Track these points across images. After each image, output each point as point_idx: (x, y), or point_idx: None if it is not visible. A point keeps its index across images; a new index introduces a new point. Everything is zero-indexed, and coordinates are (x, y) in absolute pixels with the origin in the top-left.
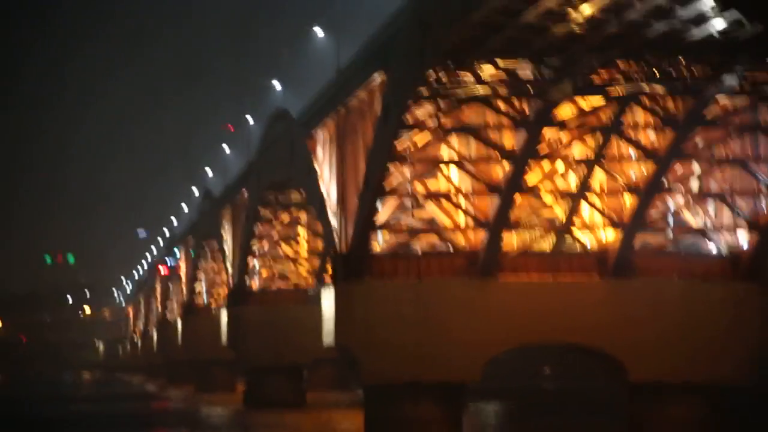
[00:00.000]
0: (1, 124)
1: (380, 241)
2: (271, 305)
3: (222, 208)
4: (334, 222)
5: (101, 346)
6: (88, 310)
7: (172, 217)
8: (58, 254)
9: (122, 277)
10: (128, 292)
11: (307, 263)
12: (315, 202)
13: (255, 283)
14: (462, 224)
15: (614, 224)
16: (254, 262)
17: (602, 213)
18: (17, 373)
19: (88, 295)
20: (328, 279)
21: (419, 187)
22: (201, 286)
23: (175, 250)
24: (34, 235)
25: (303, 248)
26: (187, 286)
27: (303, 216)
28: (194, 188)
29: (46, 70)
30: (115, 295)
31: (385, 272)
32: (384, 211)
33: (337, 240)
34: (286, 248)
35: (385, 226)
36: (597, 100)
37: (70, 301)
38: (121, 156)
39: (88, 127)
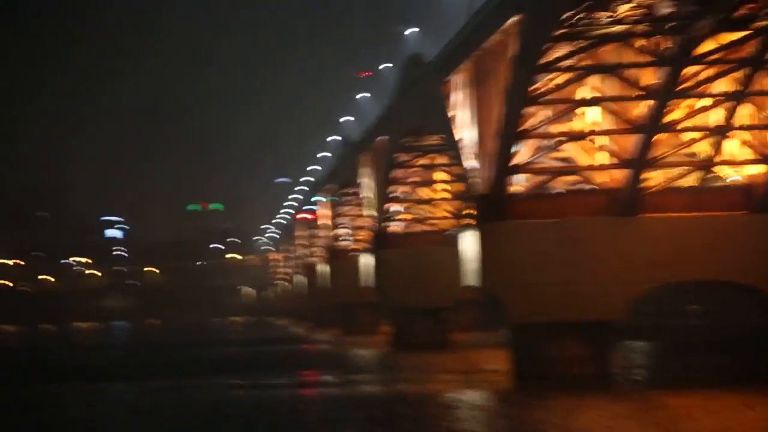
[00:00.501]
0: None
1: (520, 182)
2: (413, 248)
3: (361, 153)
4: (472, 164)
5: (250, 291)
6: (236, 256)
7: (313, 165)
8: (203, 203)
9: (266, 225)
10: (273, 238)
11: (446, 206)
12: (452, 146)
13: (397, 227)
14: (602, 163)
15: (761, 159)
16: (395, 207)
17: (751, 147)
18: (171, 318)
19: (236, 243)
20: (466, 221)
21: (558, 128)
22: (343, 232)
23: (317, 196)
24: (174, 185)
25: (441, 192)
26: (330, 231)
27: (440, 160)
28: (333, 136)
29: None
30: (261, 241)
31: (526, 213)
32: (523, 152)
33: (477, 182)
34: (425, 192)
35: (524, 167)
36: (739, 35)
37: (219, 248)
38: (254, 101)
39: (218, 72)
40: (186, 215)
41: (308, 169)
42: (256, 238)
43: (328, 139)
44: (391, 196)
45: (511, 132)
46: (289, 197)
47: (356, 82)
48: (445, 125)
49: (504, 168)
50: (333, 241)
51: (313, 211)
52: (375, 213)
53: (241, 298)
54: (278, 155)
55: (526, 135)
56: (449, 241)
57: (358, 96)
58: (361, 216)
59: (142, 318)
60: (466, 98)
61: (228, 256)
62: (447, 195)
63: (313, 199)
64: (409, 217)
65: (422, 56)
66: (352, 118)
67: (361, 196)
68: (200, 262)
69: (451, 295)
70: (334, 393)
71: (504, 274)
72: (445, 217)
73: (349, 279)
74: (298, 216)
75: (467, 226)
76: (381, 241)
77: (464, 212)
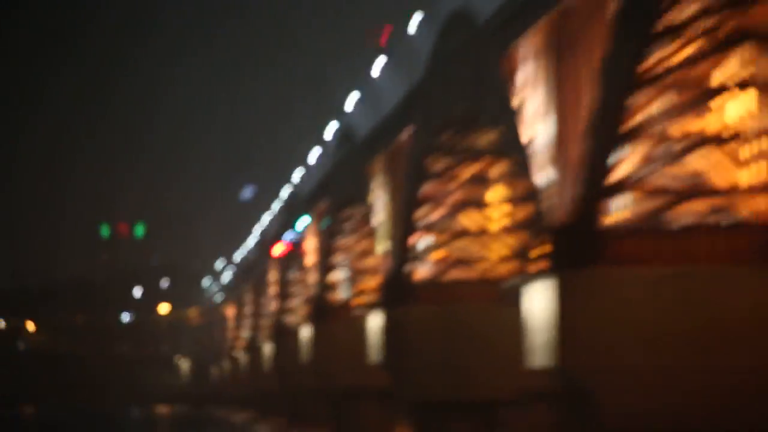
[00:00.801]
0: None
1: (622, 208)
2: (448, 306)
3: (371, 156)
4: (547, 178)
5: (185, 365)
6: (164, 309)
7: (295, 174)
8: (120, 225)
9: (218, 261)
10: (226, 282)
11: (504, 242)
12: (516, 148)
13: (422, 272)
14: (748, 184)
15: None
16: (423, 240)
17: None
18: (59, 404)
19: (164, 286)
20: (535, 266)
21: (684, 126)
22: (338, 275)
23: (299, 220)
24: (91, 205)
25: (495, 219)
26: (317, 273)
27: (497, 170)
28: (328, 129)
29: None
30: (206, 286)
31: (633, 255)
32: (626, 163)
33: (555, 205)
34: (471, 219)
35: (630, 184)
36: None
37: (138, 295)
38: (219, 96)
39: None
40: (98, 244)
41: (290, 179)
42: (202, 280)
43: (327, 131)
44: (417, 223)
45: (609, 130)
46: (255, 221)
47: (366, 51)
48: (506, 116)
49: (597, 185)
50: (321, 288)
51: (291, 242)
52: (391, 248)
53: (180, 377)
54: (249, 162)
55: (633, 136)
56: (508, 297)
57: (374, 71)
58: (368, 253)
59: (13, 402)
60: (539, 77)
61: (160, 309)
62: (505, 224)
63: (297, 224)
64: (444, 255)
65: (472, 11)
66: (358, 98)
67: (370, 220)
68: (109, 321)
69: (508, 382)
70: None
71: (597, 350)
72: (502, 259)
73: (348, 350)
74: (274, 250)
75: (537, 275)
76: (398, 293)
77: (532, 252)
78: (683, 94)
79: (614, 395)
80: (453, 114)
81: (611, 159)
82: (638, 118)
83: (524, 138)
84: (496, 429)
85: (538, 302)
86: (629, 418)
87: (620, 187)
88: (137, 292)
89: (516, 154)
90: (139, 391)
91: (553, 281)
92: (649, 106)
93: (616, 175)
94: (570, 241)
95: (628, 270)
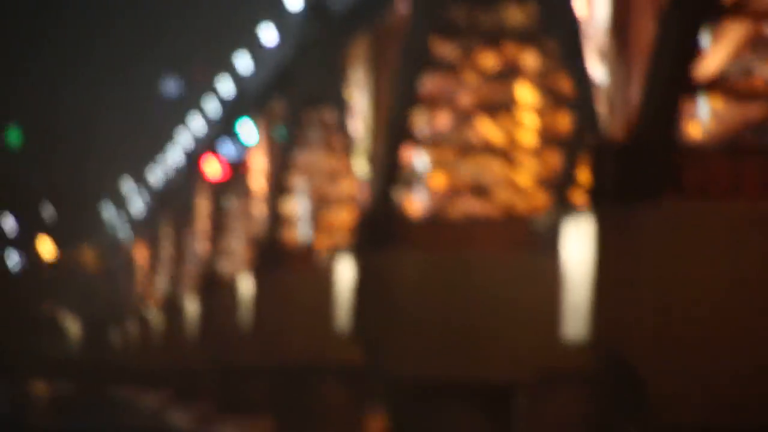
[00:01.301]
0: None
1: (704, 117)
2: (450, 250)
3: (351, 36)
4: (602, 74)
5: (75, 328)
6: (46, 248)
7: (240, 61)
8: None
9: (124, 182)
10: (136, 213)
11: (531, 165)
12: (556, 29)
13: (417, 203)
14: None
15: None
16: (418, 158)
17: None
18: None
19: (47, 216)
20: (581, 198)
21: None
22: (296, 206)
23: (243, 126)
24: None
25: (526, 130)
26: (266, 203)
27: (528, 59)
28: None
29: None
30: (107, 217)
31: (711, 185)
32: (721, 47)
33: (607, 114)
34: (488, 128)
35: (722, 82)
36: None
37: (8, 229)
38: None
39: None
40: None
41: (233, 69)
42: (101, 208)
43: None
44: (414, 133)
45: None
46: (179, 126)
47: None
48: None
49: (674, 81)
50: (272, 223)
51: (231, 160)
52: (373, 168)
53: (67, 343)
54: (176, 43)
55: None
56: (539, 242)
57: None
58: (341, 175)
59: None
60: None
61: (39, 249)
62: (534, 141)
63: (239, 131)
64: (450, 180)
65: None
66: None
67: (345, 128)
68: None
69: (532, 359)
70: None
71: (650, 319)
72: (533, 188)
73: (306, 314)
74: (203, 164)
75: (582, 210)
76: (382, 232)
77: (578, 178)
78: None
79: (672, 379)
80: None
81: (694, 45)
82: None
83: (573, 12)
84: (512, 421)
85: (581, 249)
86: (691, 410)
87: (706, 86)
88: (7, 223)
89: (558, 38)
90: (6, 362)
91: (595, 219)
92: None
93: (703, 70)
94: (625, 164)
95: (710, 206)
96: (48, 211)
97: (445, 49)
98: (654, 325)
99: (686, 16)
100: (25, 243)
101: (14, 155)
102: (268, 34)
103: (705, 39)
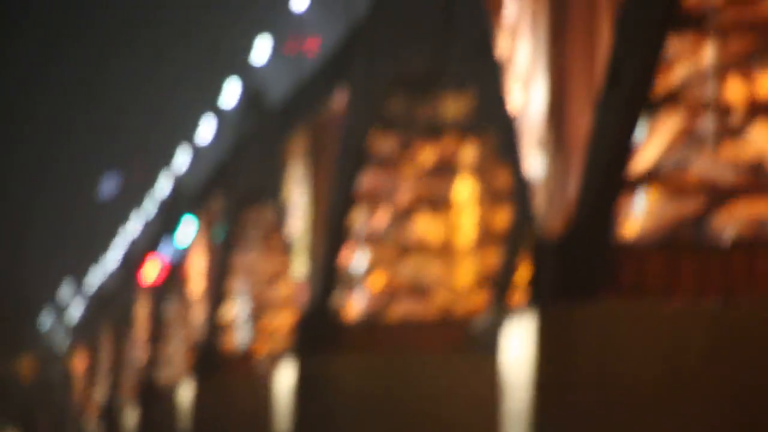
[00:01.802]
0: None
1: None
2: (390, 354)
3: (288, 131)
4: (538, 166)
5: None
6: None
7: (178, 158)
8: None
9: (62, 288)
10: (75, 319)
11: (472, 260)
12: (494, 121)
13: (356, 305)
14: None
15: None
16: (356, 258)
17: None
18: None
19: None
20: (520, 298)
21: None
22: (235, 310)
23: (181, 226)
24: None
25: (465, 227)
26: (205, 308)
27: (466, 153)
28: (227, 92)
29: None
30: (45, 325)
31: (650, 282)
32: (653, 145)
33: (544, 208)
34: (426, 225)
35: (655, 176)
36: None
37: None
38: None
39: None
40: None
41: (176, 165)
42: (39, 317)
43: (226, 94)
44: (352, 232)
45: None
46: (119, 230)
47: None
48: (485, 72)
49: (610, 175)
50: (210, 329)
51: (175, 262)
52: (312, 269)
53: None
54: (115, 140)
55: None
56: (478, 344)
57: (294, 4)
58: (280, 277)
59: None
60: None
61: None
62: (473, 237)
63: (178, 232)
64: (388, 281)
65: None
66: (271, 46)
67: (284, 228)
68: None
69: None
70: None
71: (593, 422)
72: (472, 287)
73: (246, 423)
74: (141, 269)
75: (520, 310)
76: (320, 336)
77: (517, 277)
78: None
79: None
80: (407, 70)
81: (634, 136)
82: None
83: (510, 105)
84: None
85: (520, 350)
86: None
87: (643, 179)
88: None
89: (497, 130)
90: None
91: (533, 321)
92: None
93: (640, 162)
94: (565, 262)
95: (645, 303)
96: None
97: (384, 143)
98: (594, 421)
99: (621, 109)
100: None
101: None
102: (207, 130)
103: (641, 131)
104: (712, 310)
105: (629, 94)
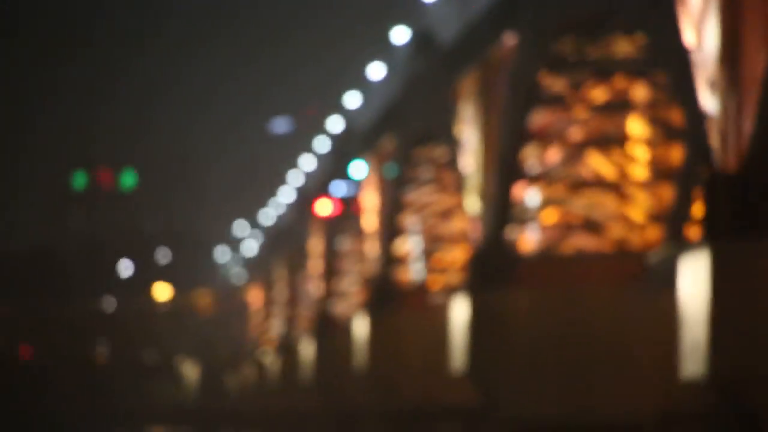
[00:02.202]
0: None
1: None
2: (563, 288)
3: (458, 73)
4: (714, 104)
5: (191, 373)
6: (163, 293)
7: (349, 99)
8: (101, 171)
9: (237, 225)
10: (250, 255)
11: (646, 196)
12: (668, 60)
13: (529, 240)
14: None
15: None
16: (529, 194)
17: None
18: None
19: (163, 261)
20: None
21: None
22: (409, 245)
23: (354, 165)
24: (62, 148)
25: (638, 164)
26: (379, 243)
27: (639, 92)
28: (397, 34)
29: None
30: (222, 261)
31: None
32: None
33: (719, 143)
34: (597, 163)
35: None
36: None
37: (125, 274)
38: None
39: None
40: (68, 200)
41: (347, 105)
42: (215, 250)
43: (396, 36)
44: (524, 169)
45: None
46: (291, 169)
47: None
48: (658, 12)
49: None
50: (385, 262)
51: (348, 199)
52: (484, 205)
53: (184, 389)
54: (286, 83)
55: None
56: (654, 278)
57: None
58: (453, 213)
59: None
60: None
61: (156, 293)
62: (646, 174)
63: (351, 170)
64: (561, 216)
65: None
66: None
67: (456, 166)
68: (84, 309)
69: (647, 398)
70: None
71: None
72: (647, 222)
73: (421, 355)
74: (317, 208)
75: (698, 244)
76: (494, 271)
77: (694, 211)
78: None
79: None
80: (576, 12)
81: None
82: None
83: (683, 44)
84: None
85: (697, 285)
86: None
87: None
88: (124, 268)
89: (668, 69)
90: (126, 410)
91: (712, 255)
92: None
93: None
94: (743, 197)
95: None
96: (164, 256)
97: (555, 83)
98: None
99: None
100: (141, 287)
101: (128, 200)
102: (377, 71)
103: None
104: None
105: None
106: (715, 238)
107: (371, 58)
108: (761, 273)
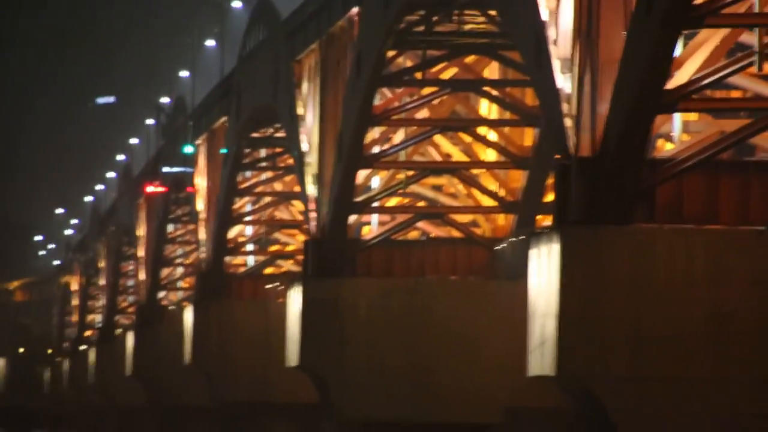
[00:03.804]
0: None
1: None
2: (407, 277)
3: (300, 45)
4: (565, 77)
5: (0, 365)
6: None
7: (179, 70)
8: None
9: (58, 208)
10: (72, 238)
11: (495, 181)
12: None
13: (371, 227)
14: None
15: None
16: (373, 178)
17: None
18: None
19: None
20: (541, 221)
21: None
22: (243, 230)
23: (186, 144)
24: None
25: (487, 147)
26: (211, 226)
27: (489, 69)
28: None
29: None
30: (40, 243)
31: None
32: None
33: (571, 120)
34: (444, 146)
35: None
36: None
37: None
38: None
39: None
40: None
41: (174, 82)
42: (34, 238)
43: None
44: (366, 151)
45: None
46: (119, 147)
47: None
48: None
49: (646, 92)
50: (216, 247)
51: (179, 178)
52: (324, 188)
53: None
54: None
55: None
56: (503, 267)
57: None
58: (292, 196)
59: None
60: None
61: None
62: (495, 158)
63: (183, 147)
64: (401, 203)
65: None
66: None
67: (295, 145)
68: None
69: (494, 396)
70: None
71: (622, 351)
72: (495, 208)
73: (253, 348)
74: (143, 187)
75: (541, 232)
76: (331, 259)
77: (534, 201)
78: None
79: (643, 421)
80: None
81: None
82: None
83: (541, 18)
84: None
85: (547, 275)
86: None
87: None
88: None
89: (522, 47)
90: None
91: (562, 243)
92: None
93: (677, 80)
94: (595, 182)
95: (684, 228)
96: None
97: (401, 61)
98: (624, 359)
99: (657, 23)
100: None
101: None
102: (209, 39)
103: (678, 47)
104: (754, 233)
105: (668, 5)
106: (565, 225)
107: (204, 27)
108: (610, 263)
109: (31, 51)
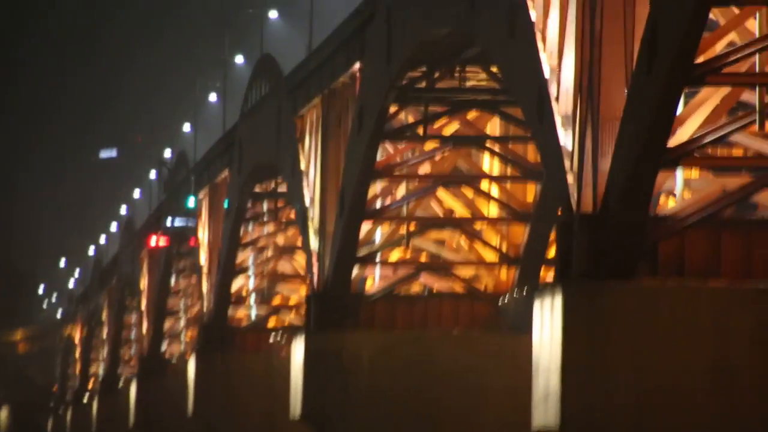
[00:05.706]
0: None
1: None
2: (408, 331)
3: (303, 100)
4: (567, 136)
5: (3, 416)
6: None
7: (182, 125)
8: None
9: (62, 259)
10: (75, 290)
11: (498, 235)
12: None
13: (375, 279)
14: None
15: None
16: (374, 232)
17: None
18: None
19: None
20: (543, 276)
21: None
22: (246, 283)
23: (189, 198)
24: None
25: (490, 201)
26: (214, 279)
27: (491, 125)
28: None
29: None
30: (44, 295)
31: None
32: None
33: (573, 180)
34: (447, 200)
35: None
36: None
37: None
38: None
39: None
40: None
41: (175, 138)
42: (39, 287)
43: (233, 58)
44: (369, 205)
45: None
46: (122, 202)
47: None
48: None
49: (648, 149)
50: (217, 302)
51: (181, 232)
52: (326, 242)
53: None
54: (112, 110)
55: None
56: (502, 321)
57: None
58: (294, 249)
59: None
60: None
61: None
62: (498, 213)
63: (183, 200)
64: (404, 256)
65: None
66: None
67: (298, 199)
68: None
69: None
70: None
71: (625, 405)
72: (500, 261)
73: (256, 399)
74: (146, 240)
75: (543, 288)
76: (336, 310)
77: (537, 255)
78: None
79: None
80: (431, 41)
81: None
82: None
83: (539, 76)
84: None
85: (550, 329)
86: None
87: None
88: None
89: (527, 103)
90: None
91: (564, 298)
92: None
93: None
94: (598, 238)
95: (687, 284)
96: None
97: (403, 116)
98: (627, 414)
99: (660, 80)
100: None
101: None
102: (212, 95)
103: (681, 104)
104: (758, 290)
105: (669, 64)
106: (568, 280)
107: (207, 81)
108: (615, 318)
109: (31, 104)
